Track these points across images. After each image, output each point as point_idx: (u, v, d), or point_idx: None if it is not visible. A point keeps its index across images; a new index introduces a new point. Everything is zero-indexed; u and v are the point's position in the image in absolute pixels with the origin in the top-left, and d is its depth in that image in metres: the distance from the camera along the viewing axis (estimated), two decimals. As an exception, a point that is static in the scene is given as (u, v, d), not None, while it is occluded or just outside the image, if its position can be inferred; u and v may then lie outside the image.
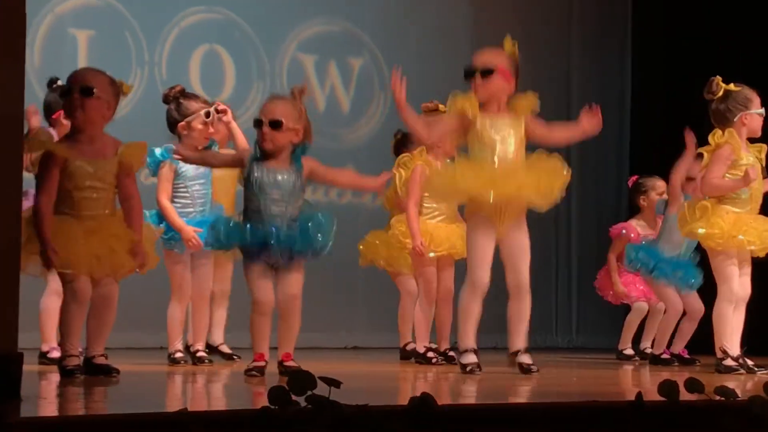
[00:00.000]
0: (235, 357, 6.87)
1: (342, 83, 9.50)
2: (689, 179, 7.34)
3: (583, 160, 10.36)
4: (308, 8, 9.38)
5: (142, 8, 8.69)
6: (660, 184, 7.89)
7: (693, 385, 3.77)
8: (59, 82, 6.25)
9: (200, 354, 6.42)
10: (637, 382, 6.01)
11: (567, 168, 5.83)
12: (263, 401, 3.19)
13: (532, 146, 5.93)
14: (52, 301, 6.15)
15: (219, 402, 4.50)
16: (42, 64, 8.01)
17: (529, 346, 5.91)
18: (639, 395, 3.65)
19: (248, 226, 5.36)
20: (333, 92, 9.47)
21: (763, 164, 6.31)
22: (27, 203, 5.00)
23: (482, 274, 5.77)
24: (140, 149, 5.36)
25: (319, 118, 9.12)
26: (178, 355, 6.37)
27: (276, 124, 5.41)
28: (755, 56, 8.85)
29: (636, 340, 8.02)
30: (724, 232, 6.15)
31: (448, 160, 6.68)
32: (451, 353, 6.88)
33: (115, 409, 3.87)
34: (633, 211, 8.28)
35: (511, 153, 5.80)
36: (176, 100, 6.47)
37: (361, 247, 7.45)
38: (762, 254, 6.28)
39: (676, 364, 7.21)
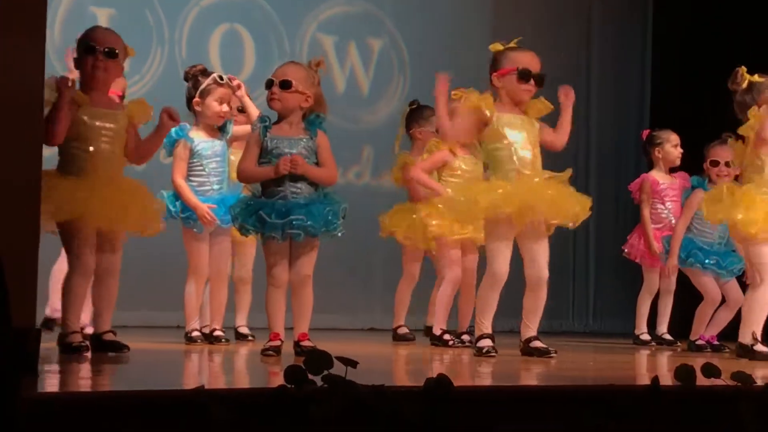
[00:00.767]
0: (250, 338, 6.88)
1: (362, 64, 9.49)
2: (713, 162, 7.33)
3: (602, 143, 10.36)
4: (328, -12, 9.38)
5: (163, -14, 8.70)
6: (674, 136, 7.86)
7: (709, 370, 3.76)
8: None
9: (217, 333, 6.44)
10: (654, 367, 6.00)
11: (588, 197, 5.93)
12: (279, 380, 3.20)
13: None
14: (62, 269, 6.15)
15: (235, 380, 4.51)
16: (62, 43, 8.01)
17: (543, 331, 5.95)
18: (655, 379, 3.64)
19: (264, 207, 5.35)
20: (352, 73, 9.46)
21: None
22: None
23: (502, 267, 5.79)
24: (144, 104, 5.42)
25: (339, 100, 9.13)
26: (195, 334, 6.38)
27: (286, 84, 5.42)
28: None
29: (652, 325, 7.99)
30: (766, 219, 6.06)
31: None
32: (465, 336, 6.91)
33: (132, 386, 3.89)
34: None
35: (529, 151, 5.84)
36: (195, 77, 6.49)
37: (383, 218, 7.40)
38: None
39: (709, 350, 7.17)
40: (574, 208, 5.86)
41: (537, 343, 5.83)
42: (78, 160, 5.18)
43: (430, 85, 8.61)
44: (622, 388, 3.89)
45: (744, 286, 6.86)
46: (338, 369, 3.19)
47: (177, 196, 6.37)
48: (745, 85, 6.22)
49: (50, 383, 3.74)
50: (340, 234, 5.43)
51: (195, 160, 6.44)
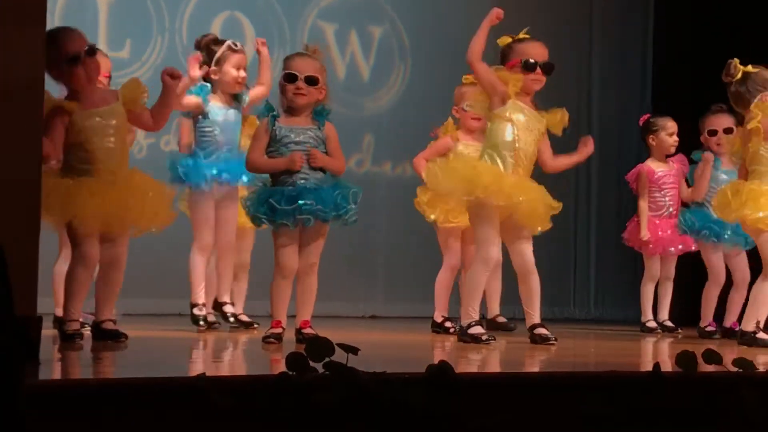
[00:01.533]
0: (255, 325, 6.89)
1: (362, 52, 9.48)
2: (711, 132, 7.34)
3: (604, 135, 10.35)
4: (329, -24, 9.37)
5: (163, -26, 8.69)
6: (671, 124, 7.85)
7: (711, 356, 3.76)
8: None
9: (226, 308, 6.47)
10: (656, 354, 6.00)
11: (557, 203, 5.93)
12: (280, 367, 3.20)
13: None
14: (64, 266, 6.15)
15: (237, 368, 4.52)
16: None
17: (544, 318, 5.97)
18: (656, 366, 3.64)
19: (273, 195, 5.36)
20: (353, 61, 9.45)
21: None
22: None
23: (493, 251, 5.83)
24: (136, 83, 5.37)
25: (340, 87, 9.12)
26: (196, 311, 6.39)
27: (313, 81, 5.45)
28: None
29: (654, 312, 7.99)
30: None
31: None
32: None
33: (133, 373, 3.89)
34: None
35: (531, 144, 5.86)
36: (207, 47, 6.49)
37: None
38: None
39: (718, 336, 7.16)
40: (546, 219, 5.89)
41: (540, 330, 5.85)
42: (80, 162, 5.17)
43: (431, 72, 8.63)
44: (624, 374, 3.90)
45: (753, 267, 6.87)
46: (340, 356, 3.19)
47: (180, 159, 6.37)
48: (739, 76, 6.23)
49: (51, 371, 3.75)
50: (353, 220, 5.43)
51: (206, 126, 6.42)
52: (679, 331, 7.76)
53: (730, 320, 7.30)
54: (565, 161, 6.11)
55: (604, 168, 10.25)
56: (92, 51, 5.25)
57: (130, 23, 8.32)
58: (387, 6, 9.57)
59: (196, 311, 6.44)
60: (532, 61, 5.87)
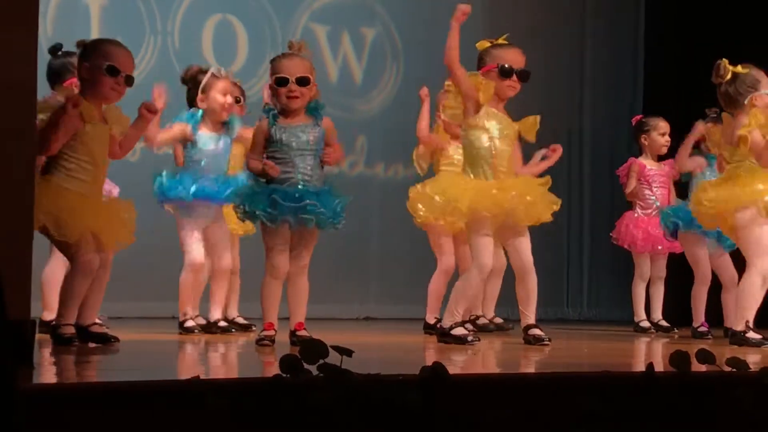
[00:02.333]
0: (253, 327, 6.89)
1: (354, 54, 9.49)
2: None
3: (596, 134, 10.37)
4: (321, -22, 9.38)
5: (155, -23, 8.69)
6: (663, 124, 7.90)
7: (704, 356, 3.77)
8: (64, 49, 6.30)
9: (221, 323, 6.52)
10: (650, 354, 6.01)
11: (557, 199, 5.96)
12: (274, 370, 3.20)
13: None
14: (55, 270, 6.15)
15: (230, 370, 4.52)
16: (55, 34, 8.00)
17: (538, 318, 5.98)
18: (650, 366, 3.65)
19: (275, 192, 5.37)
20: (345, 63, 9.46)
21: None
22: None
23: (488, 259, 5.84)
24: (121, 115, 5.39)
25: (332, 89, 9.13)
26: (189, 324, 6.39)
27: (305, 81, 5.47)
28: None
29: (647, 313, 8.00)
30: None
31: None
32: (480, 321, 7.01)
33: (128, 377, 3.89)
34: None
35: (507, 150, 5.88)
36: (194, 78, 6.52)
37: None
38: None
39: (710, 336, 7.16)
40: (549, 208, 5.90)
41: (534, 331, 5.87)
42: (79, 172, 5.18)
43: (424, 74, 8.62)
44: (617, 374, 3.90)
45: (738, 266, 6.88)
46: (334, 358, 3.19)
47: (167, 179, 6.40)
48: (728, 77, 6.23)
49: (46, 375, 3.74)
50: (339, 226, 5.46)
51: (195, 154, 6.46)
52: (675, 330, 7.78)
53: (730, 321, 7.29)
54: (534, 169, 6.15)
55: (596, 170, 10.28)
56: (130, 80, 5.30)
57: (122, 26, 8.31)
58: (379, 8, 9.57)
59: (187, 325, 6.43)
60: (507, 66, 5.88)
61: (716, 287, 7.43)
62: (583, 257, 10.41)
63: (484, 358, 5.13)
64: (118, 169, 6.12)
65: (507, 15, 9.37)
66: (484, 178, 5.84)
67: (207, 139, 6.49)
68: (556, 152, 6.30)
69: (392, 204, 8.43)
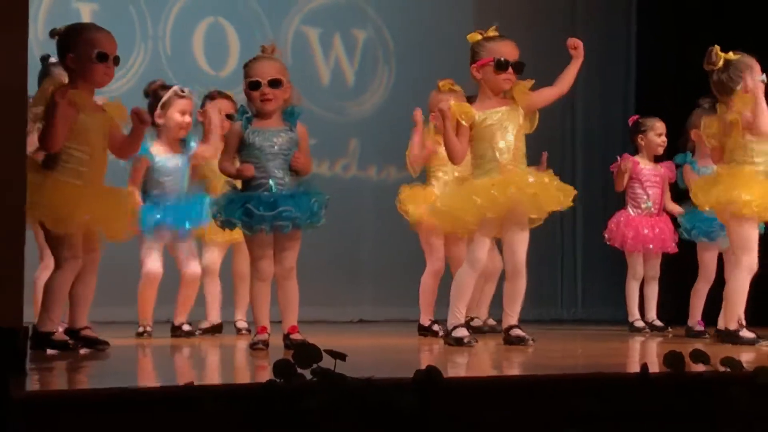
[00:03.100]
0: (244, 332, 6.88)
1: (346, 56, 9.48)
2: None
3: (588, 132, 10.37)
4: (312, -20, 9.37)
5: (146, -19, 8.67)
6: (659, 125, 7.90)
7: (698, 356, 3.77)
8: (52, 59, 6.29)
9: (186, 327, 6.56)
10: (644, 354, 6.00)
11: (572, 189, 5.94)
12: (269, 374, 3.19)
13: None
14: (46, 276, 6.13)
15: (225, 375, 4.51)
16: (46, 38, 7.95)
17: (531, 320, 5.99)
18: (644, 367, 3.64)
19: (250, 200, 5.36)
20: (337, 65, 9.45)
21: None
22: None
23: (481, 255, 5.85)
24: (121, 107, 5.40)
25: (324, 92, 9.13)
26: (144, 329, 6.44)
27: (277, 83, 5.44)
28: (761, 20, 8.87)
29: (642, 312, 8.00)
30: (763, 197, 6.06)
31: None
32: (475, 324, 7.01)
33: (121, 383, 3.88)
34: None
35: (510, 142, 5.87)
36: (155, 92, 6.51)
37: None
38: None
39: (707, 336, 7.16)
40: (557, 198, 5.86)
41: (516, 332, 5.86)
42: (75, 163, 5.18)
43: (416, 75, 8.63)
44: (611, 375, 3.90)
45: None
46: (328, 362, 3.18)
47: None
48: (720, 64, 6.22)
49: (39, 382, 3.73)
50: (321, 223, 5.45)
51: (153, 176, 6.44)
52: (669, 330, 7.77)
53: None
54: (568, 76, 6.03)
55: (588, 170, 10.27)
56: (117, 60, 5.30)
57: (113, 30, 8.17)
58: (370, 10, 9.57)
59: (139, 330, 6.46)
60: (503, 60, 5.87)
61: (714, 289, 7.43)
62: (576, 257, 10.41)
63: (478, 360, 5.13)
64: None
65: (496, 18, 9.34)
66: (489, 177, 5.83)
67: (162, 159, 6.49)
68: (579, 49, 6.06)
69: (385, 206, 8.39)
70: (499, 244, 6.27)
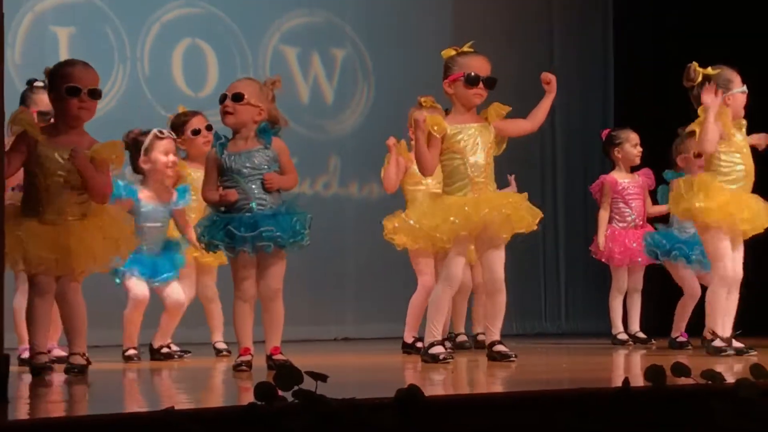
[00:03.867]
0: (225, 353, 6.86)
1: (325, 74, 9.48)
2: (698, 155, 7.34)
3: (568, 144, 10.39)
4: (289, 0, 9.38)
5: (123, 4, 8.65)
6: (633, 135, 7.91)
7: (679, 369, 3.77)
8: (37, 83, 6.28)
9: (165, 350, 6.54)
10: (628, 368, 6.02)
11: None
12: (251, 397, 3.19)
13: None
14: (23, 301, 6.10)
15: (206, 398, 4.49)
16: (23, 62, 7.98)
17: (515, 333, 6.00)
18: (626, 381, 3.65)
19: (231, 222, 5.36)
20: (316, 83, 9.45)
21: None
22: None
23: (457, 272, 5.87)
24: (114, 146, 5.31)
25: (303, 110, 9.13)
26: (131, 352, 6.42)
27: (238, 97, 5.44)
28: (739, 31, 8.91)
29: (625, 325, 8.00)
30: (721, 208, 6.09)
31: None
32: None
33: (100, 409, 3.87)
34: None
35: (482, 159, 5.88)
36: (135, 140, 6.51)
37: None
38: (752, 233, 6.24)
39: (690, 347, 7.17)
40: (527, 220, 5.88)
41: (500, 348, 5.87)
42: (29, 199, 5.17)
43: (395, 92, 8.63)
44: (593, 390, 3.90)
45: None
46: (309, 383, 3.18)
47: None
48: (699, 79, 6.25)
49: (21, 410, 3.71)
50: (306, 244, 5.44)
51: (136, 221, 6.42)
52: (653, 341, 7.79)
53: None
54: (542, 110, 6.00)
55: (570, 181, 10.29)
56: (95, 93, 5.22)
57: (90, 53, 8.21)
58: (348, 28, 9.58)
59: (127, 354, 6.44)
60: (473, 74, 5.88)
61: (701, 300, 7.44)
62: (559, 270, 10.41)
63: (460, 378, 5.12)
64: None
65: (473, 25, 9.39)
66: (462, 194, 5.84)
67: (150, 206, 6.50)
68: (551, 84, 6.02)
69: (368, 223, 8.41)
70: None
